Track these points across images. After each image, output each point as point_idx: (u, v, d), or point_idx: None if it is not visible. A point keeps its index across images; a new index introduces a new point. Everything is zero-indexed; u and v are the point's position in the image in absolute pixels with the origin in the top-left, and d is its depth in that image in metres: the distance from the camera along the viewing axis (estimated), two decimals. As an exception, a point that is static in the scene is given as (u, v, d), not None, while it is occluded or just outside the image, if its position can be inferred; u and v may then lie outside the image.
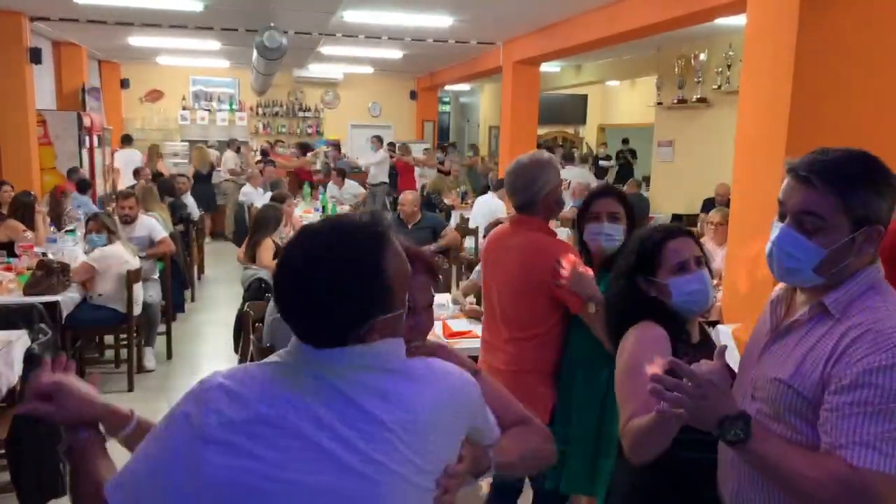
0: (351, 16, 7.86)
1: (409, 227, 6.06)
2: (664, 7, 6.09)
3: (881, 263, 1.51)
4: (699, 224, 7.07)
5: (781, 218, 1.52)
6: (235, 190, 10.96)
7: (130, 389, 5.11)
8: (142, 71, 14.00)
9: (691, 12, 5.78)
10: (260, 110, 15.02)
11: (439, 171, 12.60)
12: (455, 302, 4.32)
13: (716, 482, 1.68)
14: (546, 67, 11.31)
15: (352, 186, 10.85)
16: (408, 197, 6.32)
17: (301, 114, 15.23)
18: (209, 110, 14.46)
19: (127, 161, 11.44)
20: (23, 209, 5.99)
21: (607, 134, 15.90)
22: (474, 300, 4.85)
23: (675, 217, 8.99)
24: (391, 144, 13.51)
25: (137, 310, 5.19)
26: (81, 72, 11.43)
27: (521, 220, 2.70)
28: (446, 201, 10.02)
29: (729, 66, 8.66)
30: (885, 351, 1.32)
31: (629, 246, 2.01)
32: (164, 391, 5.13)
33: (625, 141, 14.57)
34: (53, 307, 4.52)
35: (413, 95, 15.75)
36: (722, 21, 6.64)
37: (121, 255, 5.05)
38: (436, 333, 3.53)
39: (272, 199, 8.06)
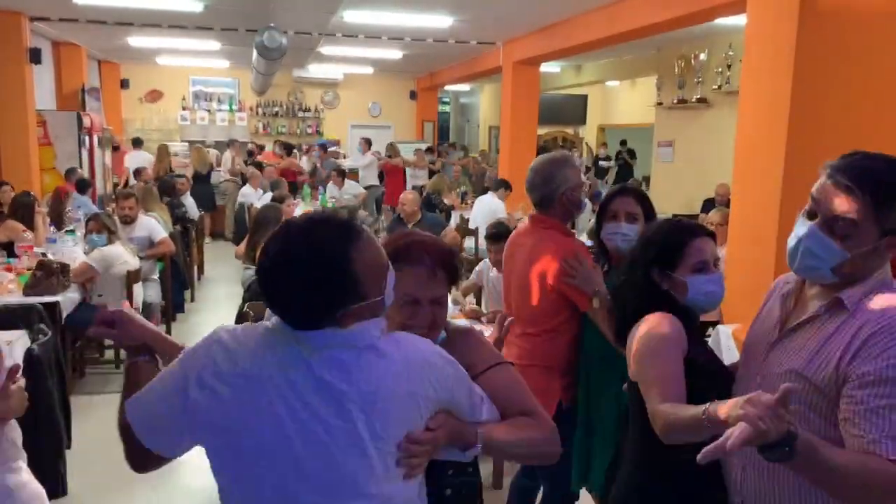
0: (351, 16, 7.86)
1: (409, 227, 6.07)
2: (664, 7, 6.09)
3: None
4: (699, 224, 7.07)
5: (811, 216, 1.54)
6: (235, 190, 10.97)
7: (130, 389, 5.10)
8: (142, 71, 14.00)
9: (691, 12, 5.78)
10: (260, 110, 15.03)
11: (431, 171, 12.59)
12: (455, 302, 4.32)
13: (719, 482, 1.69)
14: (546, 67, 11.31)
15: (352, 186, 10.85)
16: (408, 197, 6.32)
17: (301, 114, 15.23)
18: (209, 110, 14.47)
19: (138, 163, 11.51)
20: (23, 209, 5.99)
21: (607, 134, 15.90)
22: (474, 300, 4.85)
23: (675, 217, 8.97)
24: (390, 145, 13.51)
25: (137, 310, 5.19)
26: (81, 72, 11.43)
27: (537, 219, 2.74)
28: (446, 201, 10.02)
29: (729, 66, 8.66)
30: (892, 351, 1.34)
31: (649, 237, 1.97)
32: (164, 391, 5.13)
33: (623, 142, 14.56)
34: (53, 307, 4.51)
35: (413, 95, 15.75)
36: (722, 21, 6.64)
37: (121, 256, 5.05)
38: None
39: (272, 199, 8.06)
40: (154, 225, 6.04)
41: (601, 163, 14.48)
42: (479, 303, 4.82)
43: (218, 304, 7.52)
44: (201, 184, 10.75)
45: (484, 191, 9.68)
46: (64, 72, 11.11)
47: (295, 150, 12.88)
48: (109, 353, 5.68)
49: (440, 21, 8.27)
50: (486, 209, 8.04)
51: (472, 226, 7.77)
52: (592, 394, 2.61)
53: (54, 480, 3.24)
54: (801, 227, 1.54)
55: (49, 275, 4.65)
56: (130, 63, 13.80)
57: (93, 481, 3.76)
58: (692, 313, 1.90)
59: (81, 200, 7.59)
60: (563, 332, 2.62)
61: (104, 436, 4.31)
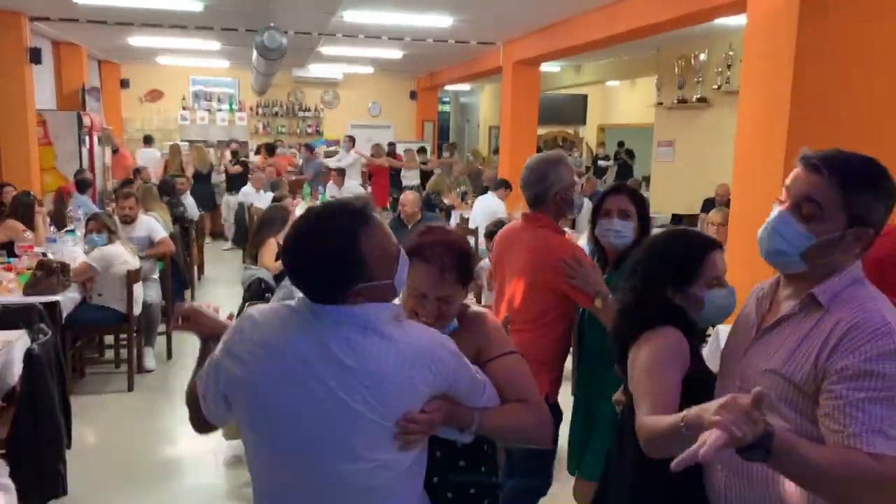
0: (351, 16, 7.86)
1: (409, 226, 6.06)
2: (664, 7, 6.09)
3: (861, 264, 1.53)
4: (699, 224, 7.07)
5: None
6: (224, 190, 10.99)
7: (130, 389, 5.11)
8: (142, 71, 14.00)
9: (691, 12, 5.78)
10: (260, 110, 15.03)
11: (423, 171, 12.56)
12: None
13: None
14: (546, 67, 11.31)
15: (352, 186, 10.85)
16: (409, 197, 6.32)
17: (301, 114, 15.23)
18: (209, 110, 14.47)
19: (148, 160, 11.55)
20: (23, 209, 5.98)
21: (607, 134, 15.90)
22: (474, 299, 4.85)
23: (675, 217, 8.99)
24: (391, 145, 13.49)
25: (137, 310, 5.19)
26: (81, 72, 11.43)
27: (531, 217, 2.78)
28: (446, 201, 10.02)
29: (729, 66, 8.66)
30: (882, 337, 1.35)
31: (663, 251, 1.90)
32: (164, 391, 5.13)
33: (620, 143, 14.56)
34: (53, 307, 4.51)
35: (413, 95, 15.75)
36: (722, 21, 6.64)
37: (121, 255, 5.05)
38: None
39: (273, 200, 8.06)
40: (154, 225, 6.03)
41: (600, 162, 14.48)
42: (479, 301, 4.82)
43: (218, 304, 7.49)
44: (201, 184, 10.75)
45: (484, 190, 9.68)
46: (64, 72, 11.11)
47: (289, 150, 12.82)
48: (109, 353, 5.68)
49: (440, 21, 8.27)
50: (486, 209, 8.04)
51: (472, 225, 7.77)
52: (594, 389, 2.65)
53: (54, 480, 3.24)
54: (773, 213, 1.57)
55: (49, 275, 4.65)
56: (130, 63, 13.80)
57: (93, 481, 3.76)
58: (697, 328, 1.88)
59: (81, 200, 7.58)
60: (556, 329, 2.68)
61: (104, 436, 4.35)
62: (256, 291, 4.85)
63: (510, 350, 1.78)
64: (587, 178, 10.70)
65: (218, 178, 11.60)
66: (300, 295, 1.54)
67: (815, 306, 1.49)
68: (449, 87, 17.07)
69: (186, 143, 12.76)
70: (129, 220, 5.84)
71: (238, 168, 10.76)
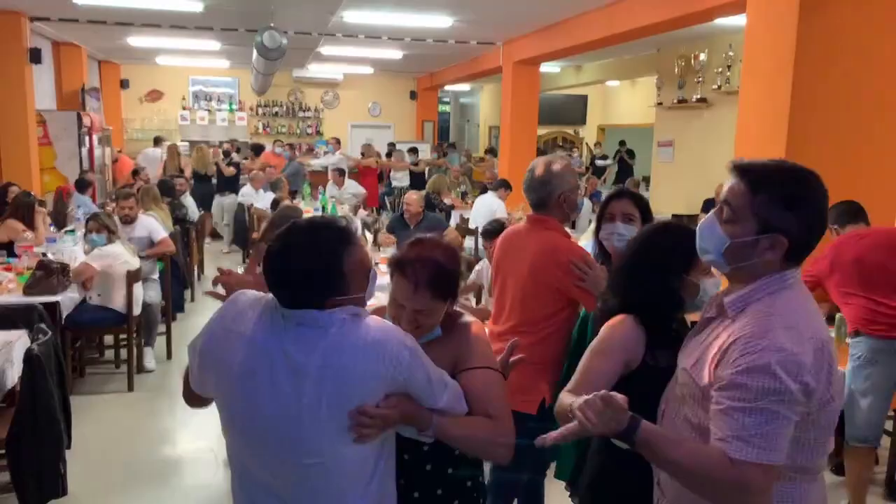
0: (351, 16, 7.86)
1: (412, 227, 6.07)
2: (664, 7, 6.09)
3: (801, 275, 1.58)
4: (699, 224, 7.07)
5: None
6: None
7: (130, 389, 5.11)
8: (142, 71, 14.00)
9: (691, 12, 5.78)
10: (260, 110, 15.03)
11: (412, 172, 12.55)
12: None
13: None
14: (546, 67, 11.32)
15: (351, 186, 10.84)
16: (413, 197, 6.35)
17: (301, 114, 15.24)
18: (209, 110, 14.46)
19: (150, 160, 11.59)
20: (23, 209, 5.98)
21: (607, 134, 15.91)
22: (474, 299, 4.85)
23: (676, 217, 8.99)
24: (391, 145, 13.48)
25: (137, 310, 5.19)
26: (81, 72, 11.44)
27: (535, 220, 2.79)
28: (446, 201, 10.02)
29: (729, 67, 8.66)
30: (752, 354, 1.44)
31: (677, 241, 1.94)
32: (164, 391, 5.13)
33: (621, 142, 14.57)
34: (53, 307, 4.51)
35: (413, 95, 15.75)
36: (722, 21, 6.64)
37: (121, 255, 5.05)
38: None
39: (273, 201, 8.06)
40: (154, 224, 6.03)
41: (597, 162, 14.47)
42: (479, 302, 4.82)
43: (218, 304, 7.50)
44: (201, 184, 10.74)
45: (484, 190, 9.68)
46: (64, 72, 11.11)
47: (278, 150, 12.74)
48: (109, 353, 5.68)
49: (440, 21, 8.27)
50: (486, 209, 8.04)
51: (472, 225, 7.77)
52: None
53: (54, 480, 3.24)
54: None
55: (49, 275, 4.65)
56: (130, 63, 13.80)
57: (93, 481, 3.76)
58: (670, 320, 1.95)
59: (81, 200, 7.59)
60: (557, 333, 2.70)
61: (104, 436, 4.34)
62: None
63: (489, 365, 1.80)
64: (587, 178, 10.71)
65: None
66: None
67: (725, 314, 1.58)
68: (449, 88, 17.07)
69: (186, 144, 12.77)
70: (128, 220, 5.84)
71: (232, 170, 10.72)
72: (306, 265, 1.55)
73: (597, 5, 7.03)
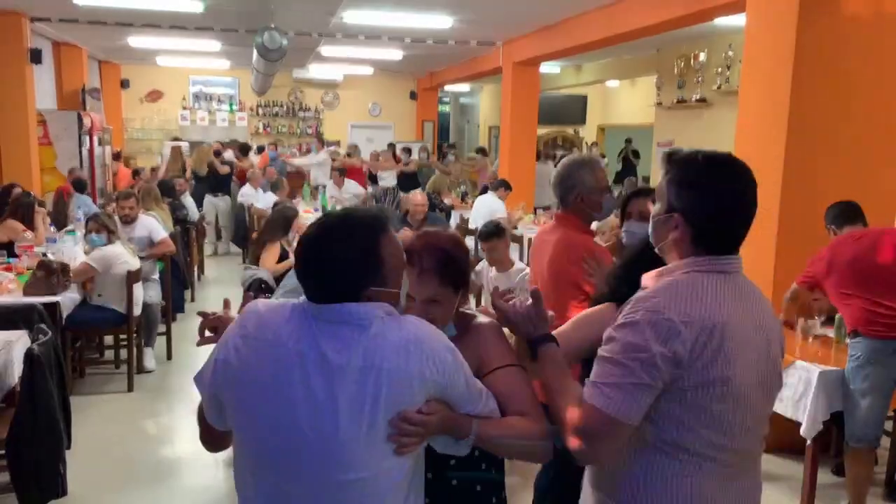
0: (351, 16, 7.86)
1: (414, 227, 6.07)
2: (664, 7, 6.09)
3: (713, 262, 1.56)
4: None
5: None
6: (235, 189, 10.93)
7: (130, 390, 5.11)
8: (142, 71, 14.01)
9: (691, 12, 5.78)
10: (260, 111, 15.03)
11: (403, 172, 12.54)
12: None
13: None
14: (546, 67, 11.32)
15: (351, 186, 10.84)
16: (417, 198, 6.39)
17: (301, 114, 15.24)
18: (209, 111, 14.47)
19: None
20: (23, 209, 5.98)
21: (607, 134, 15.91)
22: (474, 300, 4.86)
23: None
24: (390, 145, 13.47)
25: (137, 310, 5.19)
26: (81, 72, 11.44)
27: (558, 217, 2.93)
28: (446, 201, 10.03)
29: (729, 67, 8.67)
30: (632, 312, 1.50)
31: None
32: (164, 391, 5.14)
33: (628, 140, 14.56)
34: (53, 307, 4.51)
35: (413, 96, 15.75)
36: (722, 21, 6.64)
37: (121, 256, 5.05)
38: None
39: (274, 205, 8.04)
40: (154, 224, 6.03)
41: (596, 161, 14.44)
42: (479, 303, 4.83)
43: (218, 304, 7.39)
44: (200, 184, 10.73)
45: (484, 190, 9.69)
46: (64, 72, 11.12)
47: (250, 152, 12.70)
48: (109, 354, 5.68)
49: (440, 21, 8.27)
50: (485, 209, 8.05)
51: (472, 225, 7.77)
52: None
53: (54, 480, 3.23)
54: None
55: (49, 275, 4.65)
56: (130, 63, 13.81)
57: (93, 481, 3.76)
58: None
59: (82, 200, 7.59)
60: None
61: (104, 436, 4.34)
62: (256, 292, 4.86)
63: (511, 362, 1.73)
64: None
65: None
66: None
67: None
68: (449, 88, 17.07)
69: (186, 144, 12.75)
70: (129, 220, 5.84)
71: (226, 169, 10.69)
72: (342, 250, 1.46)
73: (597, 5, 7.03)
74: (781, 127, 4.10)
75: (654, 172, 10.51)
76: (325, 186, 11.09)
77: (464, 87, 17.77)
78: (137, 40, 10.34)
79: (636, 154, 14.33)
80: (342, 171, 10.95)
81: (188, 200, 8.59)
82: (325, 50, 10.71)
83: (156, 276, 5.86)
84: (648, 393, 1.45)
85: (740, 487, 1.57)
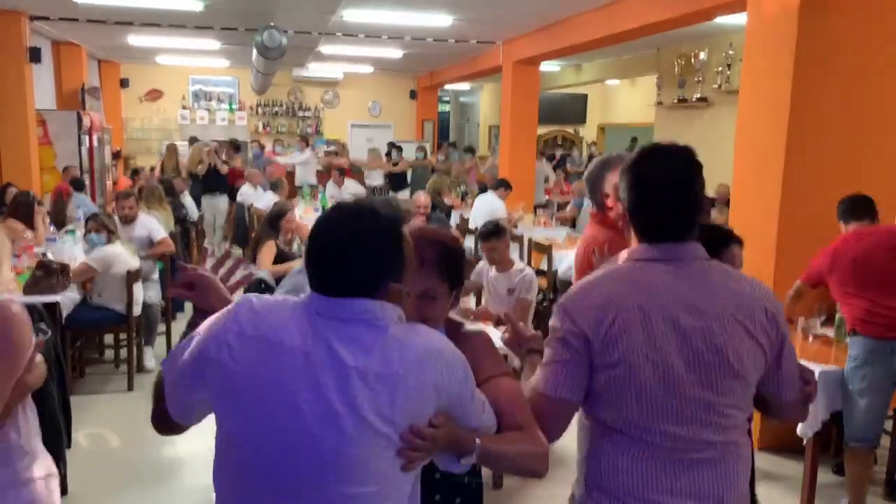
0: (351, 15, 7.85)
1: (414, 227, 6.11)
2: (664, 7, 6.08)
3: (648, 251, 1.63)
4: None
5: None
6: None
7: (130, 389, 5.11)
8: (141, 70, 14.00)
9: (691, 12, 5.77)
10: (260, 110, 15.02)
11: (393, 172, 12.53)
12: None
13: None
14: (546, 67, 11.31)
15: (351, 186, 10.84)
16: (420, 199, 6.41)
17: (301, 113, 15.23)
18: (209, 110, 14.46)
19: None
20: (23, 209, 5.98)
21: (607, 133, 15.90)
22: (474, 300, 4.86)
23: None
24: (390, 144, 13.46)
25: (137, 310, 5.19)
26: (81, 71, 11.42)
27: (591, 215, 2.99)
28: (446, 201, 10.02)
29: (729, 66, 8.66)
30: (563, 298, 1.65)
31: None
32: (164, 391, 5.13)
33: (634, 139, 14.54)
34: (53, 307, 4.51)
35: (413, 95, 15.74)
36: (722, 20, 6.64)
37: (120, 255, 5.05)
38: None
39: (274, 205, 8.03)
40: (154, 224, 6.03)
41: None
42: (479, 302, 4.82)
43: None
44: (196, 183, 10.69)
45: (483, 189, 9.69)
46: (64, 71, 11.10)
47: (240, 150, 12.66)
48: (109, 353, 5.68)
49: (440, 20, 8.26)
50: (486, 208, 8.05)
51: (472, 225, 7.77)
52: None
53: (54, 480, 3.23)
54: None
55: (49, 275, 4.65)
56: (130, 62, 13.79)
57: (93, 481, 3.76)
58: None
59: (81, 200, 7.59)
60: None
61: (104, 436, 4.34)
62: (256, 292, 4.85)
63: (503, 371, 1.66)
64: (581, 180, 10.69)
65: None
66: (308, 292, 1.42)
67: None
68: (449, 87, 17.06)
69: (186, 143, 12.73)
70: (128, 220, 5.84)
71: (226, 168, 10.66)
72: (370, 237, 1.36)
73: (597, 5, 7.02)
74: (781, 126, 4.10)
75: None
76: (310, 185, 11.11)
77: (464, 87, 17.76)
78: (137, 39, 10.33)
79: (639, 154, 14.29)
80: (342, 171, 10.94)
81: (187, 200, 8.58)
82: (325, 49, 10.71)
83: (155, 275, 5.87)
84: (573, 367, 1.56)
85: (701, 475, 1.56)
